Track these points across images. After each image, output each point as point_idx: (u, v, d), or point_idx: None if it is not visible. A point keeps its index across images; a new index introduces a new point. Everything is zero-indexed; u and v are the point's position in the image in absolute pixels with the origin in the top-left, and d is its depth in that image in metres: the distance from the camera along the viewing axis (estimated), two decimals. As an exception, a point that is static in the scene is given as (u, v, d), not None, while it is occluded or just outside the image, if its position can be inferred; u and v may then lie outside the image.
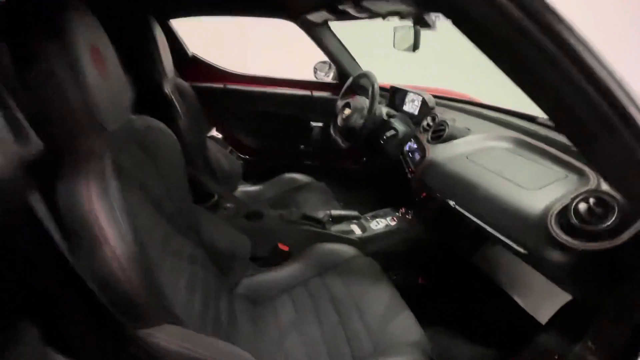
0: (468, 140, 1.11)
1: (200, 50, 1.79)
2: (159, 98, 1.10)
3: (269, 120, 1.85)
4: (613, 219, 0.64)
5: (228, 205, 1.18)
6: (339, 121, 1.49)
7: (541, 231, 0.73)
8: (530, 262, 0.77)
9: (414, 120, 1.42)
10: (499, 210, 0.84)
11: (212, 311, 0.80)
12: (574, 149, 0.94)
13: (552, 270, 0.72)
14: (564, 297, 1.17)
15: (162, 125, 0.79)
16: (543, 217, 0.74)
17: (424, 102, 1.39)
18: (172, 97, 1.10)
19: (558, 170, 0.87)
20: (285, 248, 1.16)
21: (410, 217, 1.36)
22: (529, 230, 0.76)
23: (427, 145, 1.16)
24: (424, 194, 1.24)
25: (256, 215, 1.17)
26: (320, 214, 1.27)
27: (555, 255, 0.70)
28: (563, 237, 0.69)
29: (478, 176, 0.94)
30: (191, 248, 0.82)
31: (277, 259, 1.14)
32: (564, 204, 0.72)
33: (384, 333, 0.89)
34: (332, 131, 1.56)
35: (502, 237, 0.81)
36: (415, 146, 1.25)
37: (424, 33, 1.18)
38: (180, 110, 1.10)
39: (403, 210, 1.40)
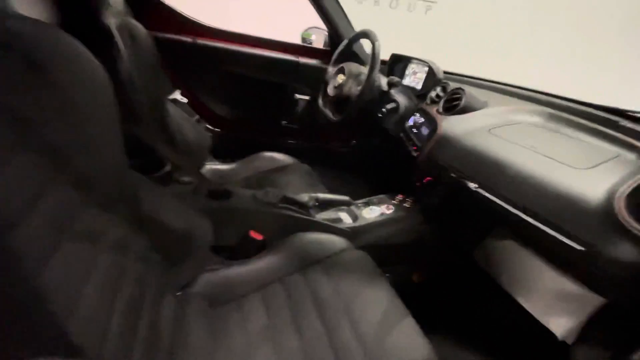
0: (488, 112, 0.92)
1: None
2: (95, 30, 0.82)
3: (246, 88, 1.58)
4: None
5: (185, 179, 0.92)
6: (330, 90, 1.26)
7: (605, 220, 0.55)
8: (580, 263, 0.59)
9: (416, 95, 1.22)
10: (540, 193, 0.64)
11: (146, 322, 0.55)
12: (624, 123, 0.78)
13: (615, 271, 0.54)
14: (578, 304, 1.01)
15: (81, 48, 0.53)
16: (607, 202, 0.56)
17: (430, 72, 1.19)
18: (113, 31, 0.82)
19: (607, 147, 0.69)
20: (259, 237, 0.92)
21: (408, 205, 1.16)
22: (586, 219, 0.57)
23: (438, 117, 0.96)
24: (428, 178, 1.04)
25: (223, 194, 0.92)
26: (305, 197, 1.04)
27: (627, 252, 0.52)
28: (636, 226, 0.51)
29: (507, 152, 0.74)
30: (120, 230, 0.57)
31: (248, 249, 0.90)
32: (634, 185, 0.54)
33: (381, 347, 0.69)
34: (320, 102, 1.32)
35: (545, 228, 0.62)
36: (422, 120, 1.04)
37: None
38: (123, 49, 0.82)
39: (400, 197, 1.19)
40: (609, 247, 0.53)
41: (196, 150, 1.19)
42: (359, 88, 1.13)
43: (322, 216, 1.08)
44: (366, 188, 1.30)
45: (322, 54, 1.53)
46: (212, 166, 1.38)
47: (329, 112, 1.26)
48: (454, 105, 0.95)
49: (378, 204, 1.16)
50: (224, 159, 1.50)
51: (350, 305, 0.77)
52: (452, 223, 1.19)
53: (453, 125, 0.90)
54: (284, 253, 0.90)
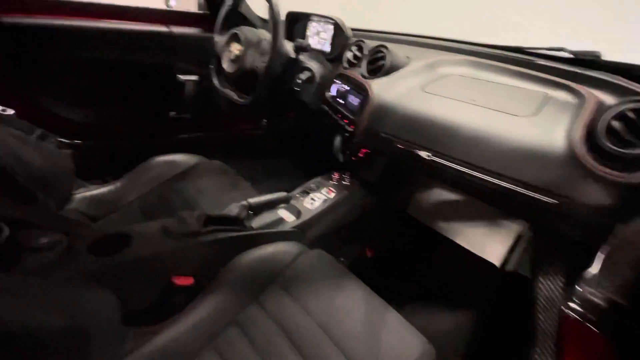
0: (415, 69, 0.84)
1: None
2: None
3: (107, 77, 1.15)
4: None
5: (43, 240, 0.57)
6: (226, 65, 1.00)
7: (571, 168, 0.54)
8: (552, 215, 0.58)
9: (327, 59, 1.07)
10: (498, 151, 0.61)
11: None
12: (540, 61, 0.80)
13: (588, 217, 0.54)
14: (509, 232, 1.14)
15: None
16: (567, 149, 0.54)
17: (337, 30, 1.04)
18: None
19: (535, 89, 0.69)
20: (187, 281, 0.69)
21: (348, 183, 1.06)
22: (552, 170, 0.55)
23: (366, 82, 0.84)
24: (364, 151, 0.94)
25: (115, 243, 0.63)
26: (234, 209, 0.82)
27: (597, 195, 0.52)
28: (602, 168, 0.51)
29: (452, 111, 0.69)
30: None
31: (177, 302, 0.66)
32: (589, 125, 0.54)
33: (376, 356, 0.60)
34: (216, 82, 1.05)
35: (512, 187, 0.59)
36: (346, 87, 0.91)
37: None
38: None
39: (337, 175, 1.09)
40: (579, 194, 0.53)
41: (50, 183, 0.80)
42: (265, 58, 0.91)
43: (261, 222, 0.89)
44: (294, 172, 1.14)
45: (200, 20, 1.21)
46: (86, 193, 0.99)
47: (232, 93, 1.01)
48: (379, 66, 0.84)
49: (317, 189, 1.03)
50: (100, 179, 1.10)
51: (325, 321, 0.65)
52: (389, 188, 1.16)
53: (385, 90, 0.80)
54: (227, 287, 0.70)
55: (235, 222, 0.80)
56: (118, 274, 0.61)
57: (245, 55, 0.95)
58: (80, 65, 1.09)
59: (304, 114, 1.16)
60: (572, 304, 0.68)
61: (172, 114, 1.27)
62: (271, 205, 0.93)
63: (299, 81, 0.97)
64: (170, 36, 1.15)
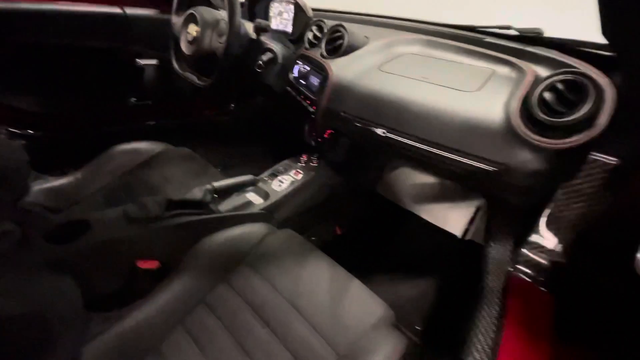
0: (372, 49, 0.86)
1: None
2: None
3: (59, 63, 1.09)
4: (589, 102, 0.52)
5: None
6: (185, 47, 0.97)
7: (508, 138, 0.58)
8: (496, 185, 0.63)
9: (290, 40, 1.06)
10: (446, 125, 0.64)
11: None
12: (487, 39, 0.84)
13: (523, 182, 0.59)
14: (469, 205, 1.21)
15: None
16: (505, 120, 0.58)
17: (298, 10, 1.03)
18: None
19: (483, 65, 0.73)
20: (153, 264, 0.69)
21: (315, 164, 1.08)
22: (492, 140, 0.59)
23: (325, 62, 0.85)
24: (329, 131, 0.96)
25: (74, 229, 0.62)
26: (198, 193, 0.82)
27: (530, 161, 0.57)
28: (535, 137, 0.55)
29: (405, 89, 0.71)
30: None
31: (141, 287, 0.67)
32: (523, 98, 0.58)
33: (340, 326, 0.64)
34: (176, 65, 1.02)
35: (458, 158, 0.63)
36: (307, 68, 0.91)
37: None
38: None
39: (304, 157, 1.10)
40: (515, 162, 0.57)
41: (5, 175, 0.76)
42: (223, 39, 0.89)
43: (228, 206, 0.90)
44: (264, 157, 1.15)
45: (156, 0, 1.16)
46: (43, 186, 0.96)
47: (192, 76, 0.99)
48: (338, 45, 0.85)
49: (285, 171, 1.04)
50: (59, 170, 1.06)
51: (293, 296, 0.68)
52: (356, 168, 1.19)
53: (343, 70, 0.81)
54: (195, 269, 0.71)
55: (199, 205, 0.80)
56: (77, 261, 0.61)
57: (203, 36, 0.93)
58: (29, 51, 1.03)
59: (271, 97, 1.16)
60: (518, 265, 0.75)
61: (132, 100, 1.23)
62: (238, 188, 0.94)
63: (261, 63, 0.96)
64: (124, 18, 1.09)
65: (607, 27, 0.45)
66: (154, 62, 1.21)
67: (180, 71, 1.03)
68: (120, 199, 0.95)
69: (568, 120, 0.52)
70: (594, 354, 0.57)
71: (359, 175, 1.24)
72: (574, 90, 0.54)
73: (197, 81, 0.96)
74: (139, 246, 0.68)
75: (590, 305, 0.62)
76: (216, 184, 0.86)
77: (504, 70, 0.69)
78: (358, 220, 1.24)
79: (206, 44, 0.93)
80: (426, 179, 1.29)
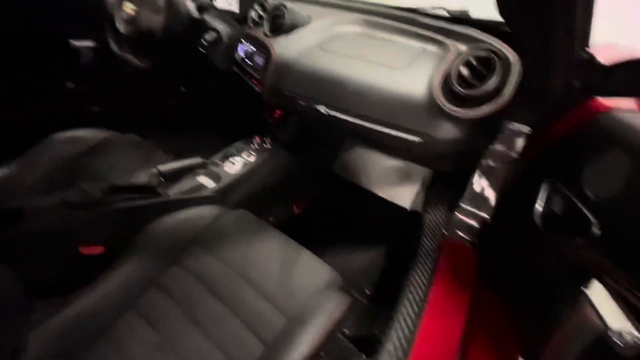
0: (314, 28, 0.87)
1: None
2: None
3: None
4: (497, 75, 0.58)
5: None
6: (121, 27, 0.92)
7: (431, 110, 0.63)
8: (419, 151, 0.69)
9: (236, 19, 1.04)
10: (378, 101, 0.68)
11: None
12: (422, 19, 0.88)
13: (444, 150, 0.65)
14: (416, 178, 1.29)
15: None
16: (428, 94, 0.64)
17: (242, -12, 1.01)
18: None
19: (414, 44, 0.78)
20: (97, 249, 0.68)
21: (268, 146, 1.09)
22: (417, 113, 0.64)
23: (268, 41, 0.85)
24: (279, 112, 0.97)
25: (5, 217, 0.60)
26: (143, 177, 0.81)
27: (449, 131, 0.62)
28: (452, 108, 0.61)
29: (343, 67, 0.74)
30: None
31: (86, 272, 0.66)
32: (445, 73, 0.63)
33: (289, 292, 0.68)
34: (114, 46, 0.97)
35: (389, 131, 0.68)
36: (252, 48, 0.91)
37: None
38: None
39: (257, 139, 1.11)
40: (437, 131, 0.63)
41: None
42: (161, 17, 0.86)
43: (179, 190, 0.89)
44: (216, 140, 1.13)
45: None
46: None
47: (132, 57, 0.95)
48: (280, 24, 0.85)
49: (237, 153, 1.04)
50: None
51: (244, 270, 0.70)
52: (310, 148, 1.22)
53: (285, 48, 0.82)
54: (144, 252, 0.71)
55: (145, 190, 0.79)
56: (11, 248, 0.59)
57: (140, 14, 0.89)
58: None
59: (220, 79, 1.14)
60: (451, 228, 0.83)
61: (70, 85, 1.15)
62: (188, 171, 0.93)
63: (205, 43, 0.94)
64: None
65: (501, 8, 0.50)
66: (90, 43, 1.13)
67: (119, 52, 0.98)
68: (63, 189, 0.91)
69: (478, 92, 0.58)
70: (505, 295, 0.66)
71: (314, 155, 1.27)
72: (485, 65, 0.60)
73: (136, 62, 0.93)
74: (79, 232, 0.67)
75: (503, 255, 0.71)
76: (162, 168, 0.85)
77: (432, 48, 0.74)
78: (315, 199, 1.28)
79: (144, 23, 0.89)
80: (377, 156, 1.35)
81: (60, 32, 1.09)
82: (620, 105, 0.48)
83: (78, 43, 1.12)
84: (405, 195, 1.27)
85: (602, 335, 0.38)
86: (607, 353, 0.37)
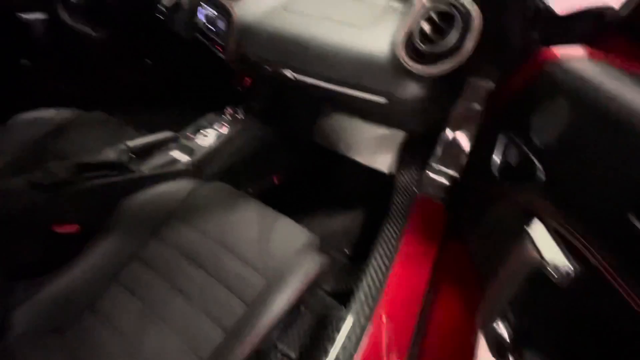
0: None
1: None
2: None
3: None
4: (456, 30, 0.58)
5: None
6: (69, -6, 0.86)
7: (394, 69, 0.63)
8: (390, 115, 0.69)
9: None
10: (343, 62, 0.68)
11: None
12: None
13: (409, 108, 0.66)
14: (393, 142, 1.31)
15: None
16: (391, 53, 0.63)
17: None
18: None
19: (380, 2, 0.75)
20: (72, 228, 0.69)
21: (241, 116, 1.07)
22: (381, 73, 0.64)
23: (229, 4, 0.81)
24: (248, 80, 0.95)
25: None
26: (112, 154, 0.80)
27: (413, 89, 0.63)
28: (414, 65, 0.61)
29: (308, 28, 0.72)
30: None
31: (63, 251, 0.67)
32: (407, 30, 0.62)
33: (268, 255, 0.71)
34: (65, 16, 0.91)
35: (358, 94, 0.68)
36: (213, 12, 0.87)
37: None
38: None
39: (230, 110, 1.09)
40: (400, 90, 0.63)
41: None
42: (111, -18, 0.80)
43: (151, 165, 0.88)
44: (188, 113, 1.11)
45: None
46: None
47: (85, 27, 0.89)
48: (239, -16, 0.81)
49: (209, 125, 1.03)
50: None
51: (223, 238, 0.72)
52: (286, 116, 1.21)
53: (247, 10, 0.79)
54: (123, 227, 0.72)
55: (115, 167, 0.78)
56: None
57: (87, -21, 0.82)
58: None
59: (187, 49, 1.09)
60: (422, 186, 0.86)
61: (25, 62, 1.08)
62: (159, 146, 0.92)
63: (162, 8, 0.89)
64: None
65: None
66: (40, 15, 1.05)
67: (71, 23, 0.92)
68: (30, 172, 0.89)
69: (439, 48, 0.58)
70: (466, 244, 0.70)
71: (290, 124, 1.26)
72: (446, 20, 0.59)
73: (90, 31, 0.87)
74: (50, 212, 0.67)
75: (469, 207, 0.75)
76: (131, 144, 0.83)
77: (397, 5, 0.72)
78: (295, 169, 1.29)
79: (92, -11, 0.83)
80: (354, 122, 1.35)
81: (5, 4, 1.01)
82: (570, 53, 0.49)
83: (27, 16, 1.04)
84: (383, 160, 1.29)
85: (540, 267, 0.42)
86: (545, 283, 0.42)
